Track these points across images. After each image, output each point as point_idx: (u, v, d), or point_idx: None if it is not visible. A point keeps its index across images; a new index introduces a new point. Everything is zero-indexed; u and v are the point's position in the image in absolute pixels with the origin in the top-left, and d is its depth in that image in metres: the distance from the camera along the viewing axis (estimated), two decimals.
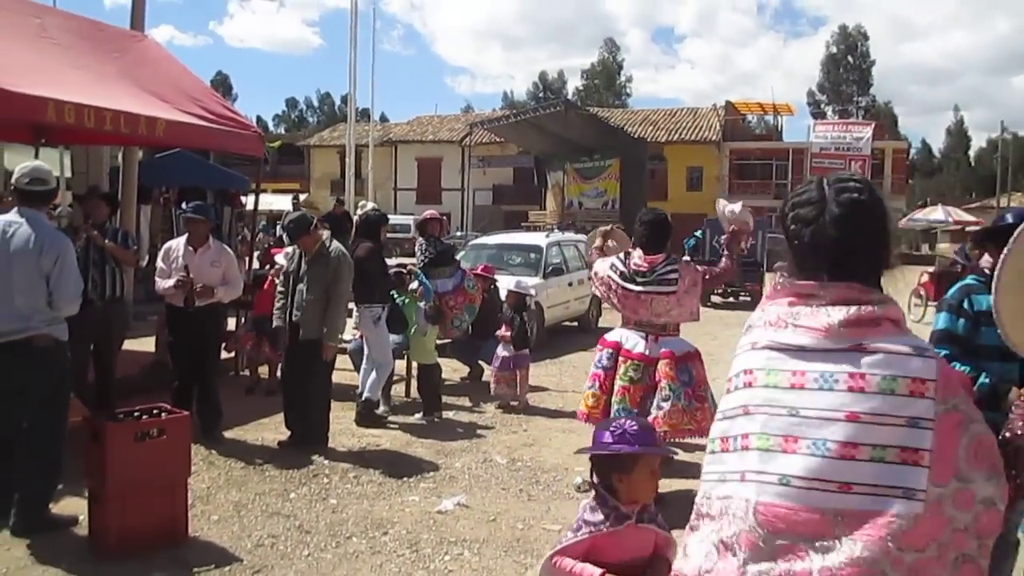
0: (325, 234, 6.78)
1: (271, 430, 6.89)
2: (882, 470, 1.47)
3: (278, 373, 7.90)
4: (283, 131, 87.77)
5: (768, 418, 1.57)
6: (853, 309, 1.57)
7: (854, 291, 1.59)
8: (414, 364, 8.33)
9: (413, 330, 7.88)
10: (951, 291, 3.68)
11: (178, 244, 6.66)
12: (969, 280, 3.62)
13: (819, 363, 1.55)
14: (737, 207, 5.47)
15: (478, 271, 9.57)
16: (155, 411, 4.65)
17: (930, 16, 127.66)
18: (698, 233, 21.93)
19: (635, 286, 5.21)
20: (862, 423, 1.49)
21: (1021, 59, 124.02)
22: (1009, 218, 3.55)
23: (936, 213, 29.82)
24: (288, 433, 6.56)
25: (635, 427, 2.58)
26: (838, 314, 1.57)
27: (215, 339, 6.97)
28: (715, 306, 17.49)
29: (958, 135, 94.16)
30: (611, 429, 2.58)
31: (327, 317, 6.38)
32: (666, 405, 5.13)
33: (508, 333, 8.19)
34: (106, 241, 6.42)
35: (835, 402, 1.52)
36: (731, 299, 19.01)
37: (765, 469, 1.54)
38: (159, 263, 6.69)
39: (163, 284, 6.52)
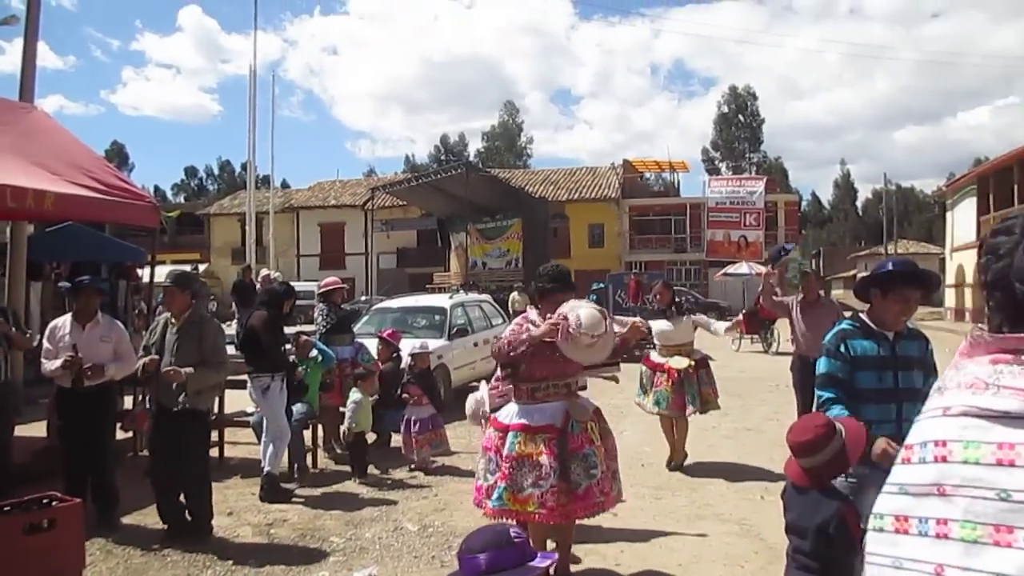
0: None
1: None
2: None
3: None
4: (183, 200, 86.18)
5: (971, 501, 1.28)
6: None
7: None
8: (319, 433, 8.25)
9: (356, 398, 7.97)
10: (828, 336, 3.81)
11: (64, 322, 6.38)
12: (845, 325, 3.78)
13: None
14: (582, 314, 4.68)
15: (384, 335, 9.53)
16: (45, 500, 4.43)
17: (814, 76, 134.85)
18: (600, 284, 22.37)
19: None
20: None
21: (901, 115, 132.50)
22: (890, 265, 3.78)
23: (742, 268, 32.72)
24: (165, 527, 5.99)
25: (520, 533, 2.18)
26: None
27: (109, 419, 6.59)
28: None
29: (845, 187, 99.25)
30: (503, 547, 2.07)
31: (196, 372, 5.85)
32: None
33: (424, 396, 8.18)
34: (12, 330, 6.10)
35: None
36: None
37: (972, 566, 1.25)
38: (45, 343, 6.36)
39: (50, 365, 6.18)
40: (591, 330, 4.57)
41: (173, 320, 6.08)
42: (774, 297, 8.25)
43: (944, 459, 1.32)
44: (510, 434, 4.71)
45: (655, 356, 8.22)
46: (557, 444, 4.61)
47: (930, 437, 1.35)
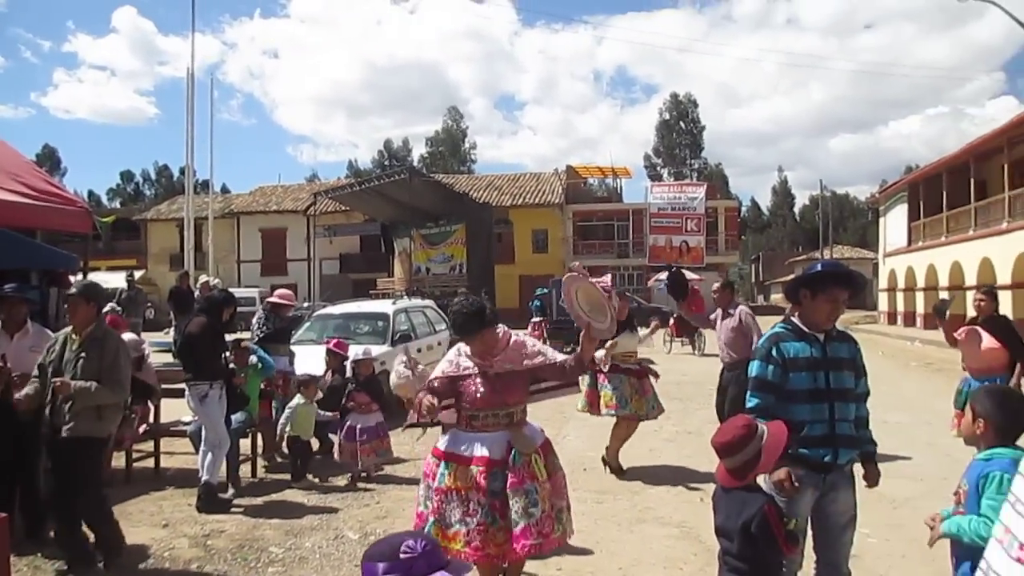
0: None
1: None
2: None
3: (113, 463, 7.45)
4: (118, 205, 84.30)
5: (1013, 513, 1.36)
6: None
7: None
8: (259, 442, 8.14)
9: (293, 403, 8.03)
10: (761, 339, 3.91)
11: None
12: (778, 328, 3.87)
13: None
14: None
15: (330, 346, 9.39)
16: None
17: (753, 85, 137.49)
18: (544, 290, 22.43)
19: None
20: None
21: (835, 123, 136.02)
22: (819, 267, 3.89)
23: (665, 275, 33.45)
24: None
25: (413, 548, 2.12)
26: None
27: (37, 430, 6.33)
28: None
29: (783, 193, 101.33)
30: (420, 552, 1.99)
31: (88, 390, 5.26)
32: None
33: (372, 403, 8.08)
34: None
35: None
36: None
37: (995, 567, 1.35)
38: None
39: None
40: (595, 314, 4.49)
41: (74, 336, 5.51)
42: (696, 313, 8.75)
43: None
44: (441, 464, 4.33)
45: (624, 364, 8.12)
46: (490, 479, 4.19)
47: None
